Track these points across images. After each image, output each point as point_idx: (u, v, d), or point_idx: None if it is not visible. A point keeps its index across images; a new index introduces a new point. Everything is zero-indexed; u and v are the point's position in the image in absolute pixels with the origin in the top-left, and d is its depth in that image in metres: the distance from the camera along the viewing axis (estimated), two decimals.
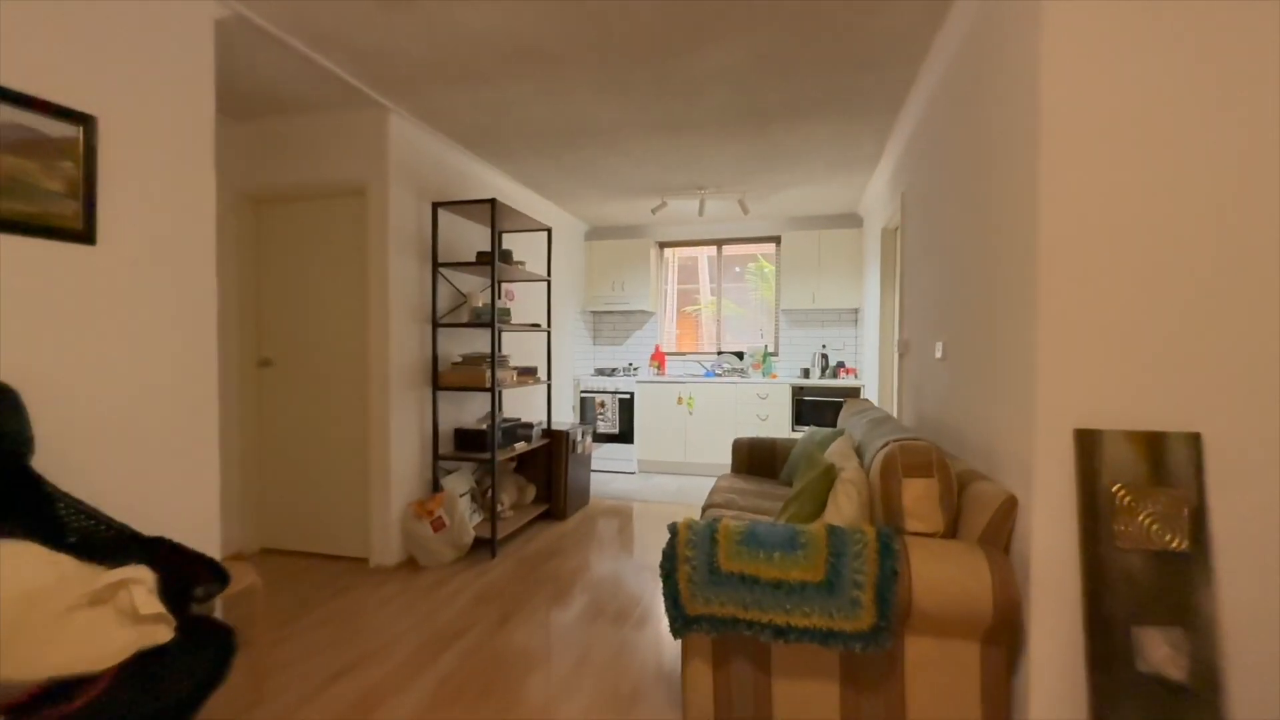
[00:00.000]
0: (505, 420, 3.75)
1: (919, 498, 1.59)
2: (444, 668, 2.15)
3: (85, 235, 1.70)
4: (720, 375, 5.63)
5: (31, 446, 1.48)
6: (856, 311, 5.47)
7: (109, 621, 1.19)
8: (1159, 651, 1.34)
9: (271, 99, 2.98)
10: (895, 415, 3.56)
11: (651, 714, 1.89)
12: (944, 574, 1.47)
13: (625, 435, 5.48)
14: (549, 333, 4.07)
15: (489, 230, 3.47)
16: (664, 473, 5.51)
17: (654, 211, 5.10)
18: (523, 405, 4.62)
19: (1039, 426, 1.47)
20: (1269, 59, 1.35)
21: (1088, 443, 1.43)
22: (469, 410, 3.83)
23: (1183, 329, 1.40)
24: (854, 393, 5.00)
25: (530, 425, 3.82)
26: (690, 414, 5.40)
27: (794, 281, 5.43)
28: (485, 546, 3.33)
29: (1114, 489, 1.40)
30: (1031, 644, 1.48)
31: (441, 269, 3.47)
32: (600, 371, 5.95)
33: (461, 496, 3.37)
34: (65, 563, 1.29)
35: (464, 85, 2.83)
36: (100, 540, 1.48)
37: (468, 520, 3.28)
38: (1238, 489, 1.37)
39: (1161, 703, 1.33)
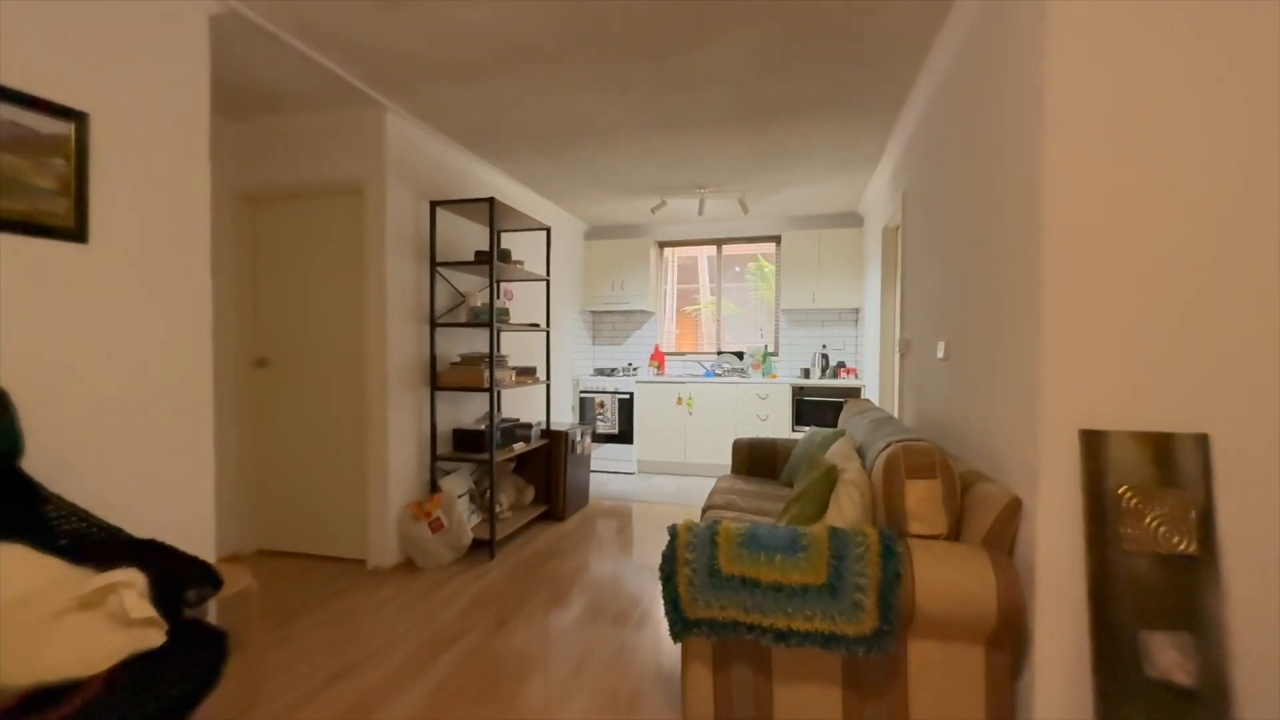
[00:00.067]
0: (504, 420, 3.73)
1: (922, 499, 1.57)
2: (442, 670, 2.13)
3: (77, 233, 1.68)
4: (720, 375, 5.61)
5: (22, 448, 1.46)
6: (857, 311, 5.46)
7: (99, 626, 1.17)
8: (1166, 657, 1.32)
9: (268, 97, 2.96)
10: (896, 415, 3.54)
11: (651, 717, 1.87)
12: (947, 577, 1.45)
13: (625, 436, 5.46)
14: (548, 332, 4.06)
15: (487, 229, 3.45)
16: (664, 473, 5.49)
17: (653, 211, 5.09)
18: (521, 405, 4.60)
19: (1043, 427, 1.46)
20: (1272, 59, 1.33)
21: (1093, 444, 1.41)
22: (467, 410, 3.81)
23: (1190, 327, 1.39)
24: (854, 393, 4.99)
25: (529, 425, 3.80)
26: (690, 414, 5.38)
27: (794, 281, 5.41)
28: (484, 548, 3.31)
29: (1120, 491, 1.39)
30: (1036, 648, 1.46)
31: (440, 268, 3.45)
32: (599, 371, 5.93)
33: (460, 497, 3.35)
34: (55, 566, 1.27)
35: (462, 83, 2.81)
36: (91, 543, 1.46)
37: (466, 521, 3.26)
38: (1246, 491, 1.35)
39: (1168, 707, 1.31)
